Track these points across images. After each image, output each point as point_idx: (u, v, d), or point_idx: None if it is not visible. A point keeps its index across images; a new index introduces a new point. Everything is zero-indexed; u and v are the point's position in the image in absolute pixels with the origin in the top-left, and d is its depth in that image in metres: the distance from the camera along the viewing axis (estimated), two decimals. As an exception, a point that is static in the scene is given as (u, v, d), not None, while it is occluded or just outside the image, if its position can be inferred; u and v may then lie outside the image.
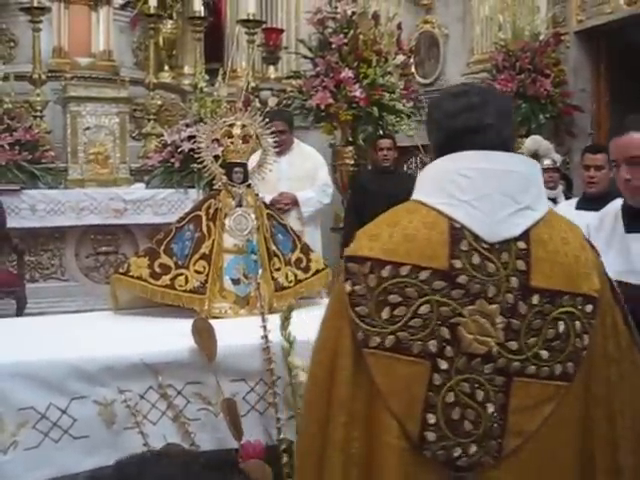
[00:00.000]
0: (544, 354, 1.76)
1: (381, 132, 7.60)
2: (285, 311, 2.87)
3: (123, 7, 9.01)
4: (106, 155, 7.34)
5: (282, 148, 6.03)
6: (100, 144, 7.33)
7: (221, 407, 2.81)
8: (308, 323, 3.05)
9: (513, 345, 1.75)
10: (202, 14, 8.34)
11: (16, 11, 8.16)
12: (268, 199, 5.29)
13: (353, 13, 7.74)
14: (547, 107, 7.74)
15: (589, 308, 1.80)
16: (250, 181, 3.55)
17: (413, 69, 8.79)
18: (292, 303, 3.01)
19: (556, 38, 7.91)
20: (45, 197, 6.89)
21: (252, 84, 8.38)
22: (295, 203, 6.08)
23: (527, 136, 7.74)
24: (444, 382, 1.74)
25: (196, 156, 3.72)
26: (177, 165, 7.27)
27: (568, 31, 8.01)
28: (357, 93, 7.41)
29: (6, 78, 7.28)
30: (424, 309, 1.74)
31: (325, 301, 3.95)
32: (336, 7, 7.75)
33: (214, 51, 9.39)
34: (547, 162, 6.69)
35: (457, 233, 1.76)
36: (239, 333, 3.02)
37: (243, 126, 3.52)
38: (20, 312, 6.13)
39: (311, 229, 6.08)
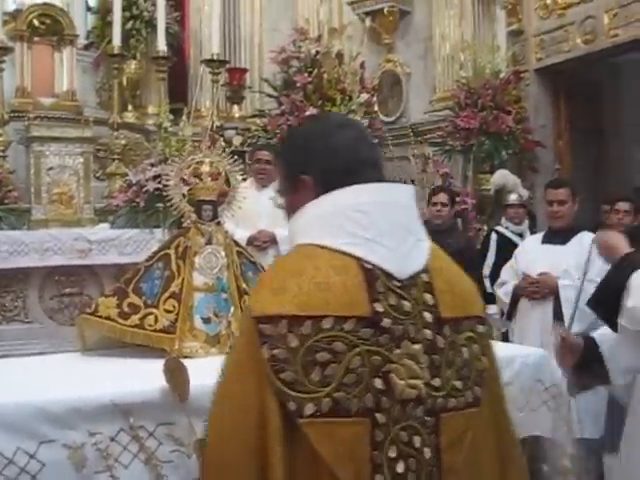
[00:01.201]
0: (458, 384, 1.71)
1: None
2: (258, 349, 2.84)
3: (87, 47, 9.04)
4: (70, 195, 7.27)
5: (264, 178, 6.04)
6: (64, 184, 7.26)
7: (194, 448, 2.75)
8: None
9: (437, 382, 1.67)
10: (166, 54, 8.34)
11: (-22, 52, 8.13)
12: (246, 235, 5.28)
13: (317, 52, 7.84)
14: (509, 143, 7.86)
15: (482, 329, 1.78)
16: (220, 218, 3.53)
17: (376, 107, 8.86)
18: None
19: (516, 76, 8.06)
20: (8, 238, 6.78)
21: (217, 123, 8.39)
22: (274, 241, 6.00)
23: (491, 172, 7.86)
24: (385, 436, 1.62)
25: (164, 194, 3.70)
26: (142, 205, 7.20)
27: (528, 69, 8.17)
28: (322, 131, 7.45)
29: (-32, 119, 7.23)
30: (356, 362, 1.59)
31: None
32: (300, 46, 7.83)
33: (178, 91, 9.40)
34: (513, 197, 6.77)
35: (370, 274, 1.65)
36: (211, 372, 2.98)
37: (212, 163, 3.51)
38: (-17, 355, 6.01)
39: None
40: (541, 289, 5.09)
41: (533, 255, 5.32)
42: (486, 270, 6.51)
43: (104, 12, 9.10)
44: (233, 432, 1.62)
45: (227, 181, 3.66)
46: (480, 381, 1.75)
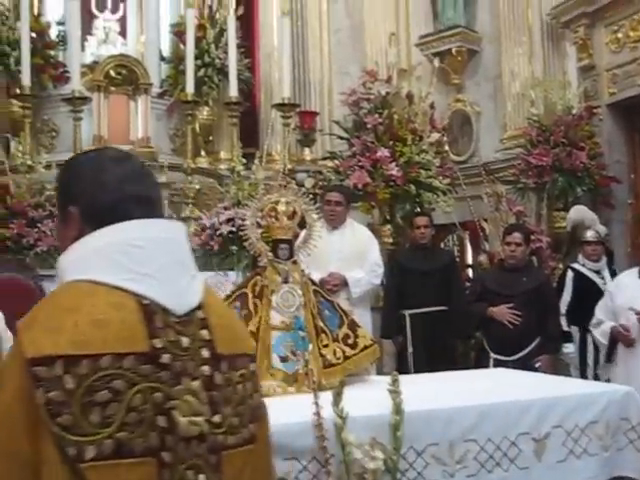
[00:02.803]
0: (235, 421, 1.65)
1: (418, 209, 7.62)
2: (337, 387, 2.83)
3: (160, 95, 9.25)
4: (146, 240, 7.39)
5: (335, 219, 6.04)
6: (140, 229, 7.38)
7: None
8: (359, 399, 3.03)
9: (217, 418, 1.61)
10: (237, 100, 8.50)
11: (58, 102, 8.40)
12: (317, 277, 5.28)
13: (387, 93, 7.87)
14: (584, 180, 7.73)
15: (253, 367, 1.73)
16: (296, 257, 3.54)
17: (447, 147, 8.85)
18: (343, 379, 2.96)
19: (589, 111, 7.95)
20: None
21: (288, 166, 8.49)
22: (344, 284, 5.95)
23: (565, 210, 7.74)
24: (172, 476, 1.54)
25: (241, 233, 3.73)
26: (216, 248, 7.30)
27: (600, 104, 8.05)
28: (394, 172, 7.47)
29: (48, 167, 7.43)
30: (137, 400, 1.51)
31: (373, 378, 3.92)
32: (370, 88, 7.88)
33: (249, 135, 9.55)
34: (591, 234, 6.63)
35: (149, 310, 1.59)
36: (289, 411, 2.97)
37: (288, 203, 3.54)
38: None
39: (360, 310, 5.83)
40: None
41: (633, 291, 5.20)
42: (563, 308, 6.38)
43: (177, 61, 9.32)
44: None
45: (302, 221, 3.69)
46: (254, 418, 1.70)
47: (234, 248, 7.14)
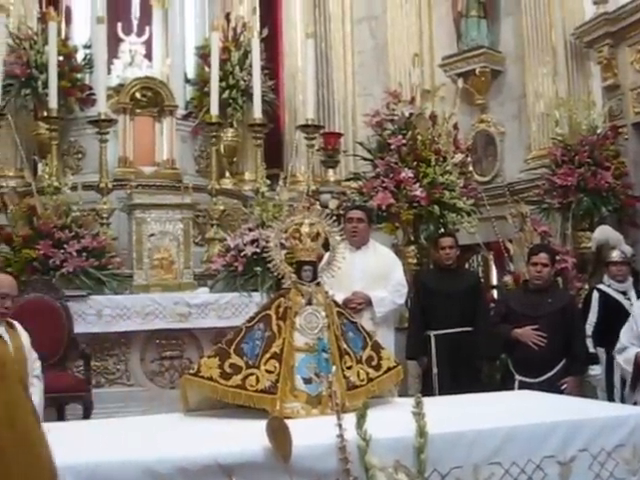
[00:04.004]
0: None
1: (442, 230, 7.60)
2: (360, 409, 2.82)
3: (185, 117, 9.32)
4: (170, 260, 7.44)
5: (357, 237, 6.04)
6: (165, 250, 7.44)
7: (297, 509, 2.74)
8: (383, 421, 3.02)
9: None
10: (262, 121, 8.54)
11: (84, 124, 8.51)
12: (341, 297, 5.27)
13: (411, 114, 7.88)
14: (609, 199, 7.70)
15: None
16: (320, 279, 3.55)
17: (471, 167, 8.83)
18: (366, 401, 2.95)
19: (614, 131, 7.92)
20: (111, 302, 6.97)
21: (312, 187, 8.51)
22: (368, 303, 5.93)
23: (590, 230, 7.69)
24: None
25: (264, 255, 3.74)
26: (240, 269, 7.33)
27: (626, 123, 8.02)
28: (418, 192, 7.47)
29: (74, 188, 7.50)
30: None
31: (397, 400, 3.91)
32: (393, 109, 7.89)
33: (274, 157, 9.60)
34: (616, 254, 6.56)
35: None
36: (313, 433, 2.97)
37: (311, 224, 3.55)
38: (87, 417, 6.13)
39: (384, 330, 5.87)
40: None
41: None
42: (588, 329, 6.32)
43: (202, 83, 9.40)
44: None
45: (326, 242, 3.70)
46: None
47: (258, 269, 7.17)
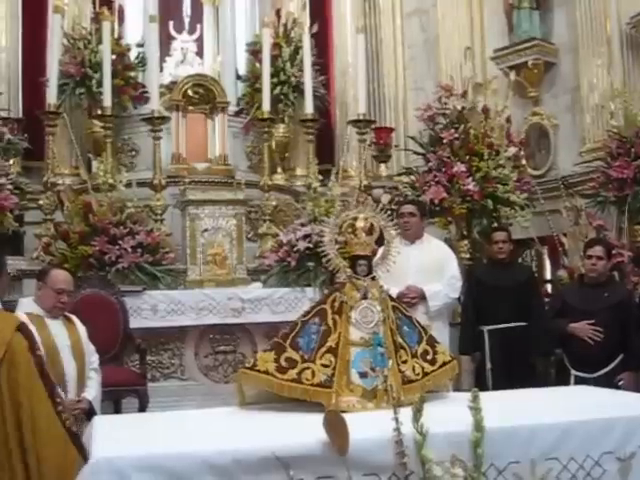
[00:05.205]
0: None
1: (496, 225, 7.55)
2: (417, 403, 2.82)
3: (237, 114, 9.39)
4: (224, 256, 7.49)
5: (409, 231, 6.03)
6: (218, 245, 7.50)
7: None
8: (439, 416, 3.01)
9: None
10: (313, 117, 8.56)
11: (137, 122, 8.61)
12: (395, 291, 5.26)
13: (463, 108, 7.83)
14: (667, 192, 7.55)
15: None
16: (374, 273, 3.55)
17: (524, 161, 8.73)
18: (423, 395, 2.95)
19: (672, 122, 7.76)
20: (166, 297, 7.05)
21: (364, 182, 8.50)
22: (422, 297, 5.92)
23: (647, 225, 7.57)
24: None
25: (319, 250, 3.75)
26: (293, 264, 7.36)
27: (684, 113, 7.86)
28: (470, 186, 7.42)
29: (129, 185, 7.59)
30: None
31: (452, 394, 3.89)
32: (445, 103, 7.85)
33: (325, 152, 9.61)
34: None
35: None
36: (369, 426, 2.97)
37: (366, 219, 3.55)
38: (142, 410, 6.21)
39: (439, 324, 5.83)
40: None
41: None
42: (646, 325, 6.23)
43: (253, 79, 9.46)
44: None
45: (380, 237, 3.69)
46: None
47: (311, 264, 7.19)
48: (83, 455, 2.93)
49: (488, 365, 6.38)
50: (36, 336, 3.35)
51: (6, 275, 3.67)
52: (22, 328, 3.14)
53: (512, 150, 7.89)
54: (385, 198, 8.26)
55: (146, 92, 8.88)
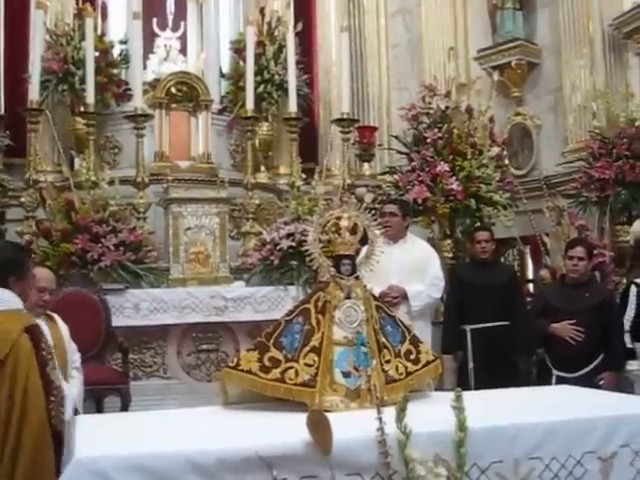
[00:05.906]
0: None
1: (478, 224, 7.57)
2: (400, 402, 2.82)
3: (220, 112, 9.37)
4: (207, 254, 7.49)
5: (390, 230, 6.02)
6: (201, 243, 7.49)
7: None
8: (422, 415, 3.01)
9: None
10: (297, 115, 8.55)
11: (120, 120, 8.59)
12: (377, 291, 5.26)
13: (446, 108, 7.85)
14: (647, 192, 7.60)
15: None
16: (358, 273, 3.55)
17: (507, 161, 8.76)
18: (406, 394, 2.95)
19: (653, 123, 7.81)
20: (148, 296, 7.03)
21: (348, 181, 8.51)
22: (404, 297, 5.92)
23: (628, 224, 7.61)
24: None
25: (303, 249, 3.75)
26: (276, 263, 7.36)
27: (665, 115, 7.91)
28: (454, 186, 7.45)
29: (111, 182, 7.56)
30: None
31: (435, 394, 3.90)
32: (429, 103, 7.87)
33: (309, 151, 9.61)
34: (656, 248, 6.50)
35: None
36: (352, 426, 2.97)
37: (350, 218, 3.54)
38: (125, 409, 6.19)
39: (421, 324, 5.84)
40: None
41: None
42: (626, 324, 6.23)
43: (237, 77, 9.45)
44: None
45: (364, 236, 3.69)
46: None
47: (294, 263, 7.19)
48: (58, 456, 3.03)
49: (470, 364, 6.39)
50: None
51: (30, 277, 3.70)
52: (30, 330, 3.28)
53: (495, 150, 7.92)
54: (368, 197, 8.30)
55: (129, 89, 8.86)
